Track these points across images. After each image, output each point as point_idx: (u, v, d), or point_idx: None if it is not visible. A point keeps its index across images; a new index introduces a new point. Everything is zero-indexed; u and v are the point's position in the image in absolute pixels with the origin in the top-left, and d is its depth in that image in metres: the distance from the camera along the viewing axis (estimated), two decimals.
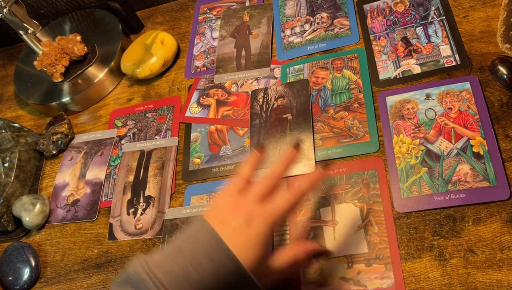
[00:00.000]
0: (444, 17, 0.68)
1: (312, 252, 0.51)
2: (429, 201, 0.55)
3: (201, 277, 0.42)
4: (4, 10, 0.79)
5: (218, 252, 0.43)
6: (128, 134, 0.76)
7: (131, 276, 0.43)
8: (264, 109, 0.69)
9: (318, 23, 0.75)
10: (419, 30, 0.68)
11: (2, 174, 0.72)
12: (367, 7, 0.74)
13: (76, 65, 0.84)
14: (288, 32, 0.77)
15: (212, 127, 0.71)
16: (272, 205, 0.47)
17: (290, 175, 0.62)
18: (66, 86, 0.83)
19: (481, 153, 0.55)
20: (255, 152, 0.52)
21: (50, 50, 0.81)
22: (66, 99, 0.81)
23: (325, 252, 0.54)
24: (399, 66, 0.66)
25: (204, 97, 0.74)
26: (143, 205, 0.67)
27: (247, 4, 0.83)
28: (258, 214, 0.46)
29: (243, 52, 0.77)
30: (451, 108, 0.60)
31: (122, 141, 0.75)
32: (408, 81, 0.64)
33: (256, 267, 0.44)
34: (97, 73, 0.82)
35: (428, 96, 0.62)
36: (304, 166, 0.62)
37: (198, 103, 0.74)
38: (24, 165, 0.75)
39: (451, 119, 0.59)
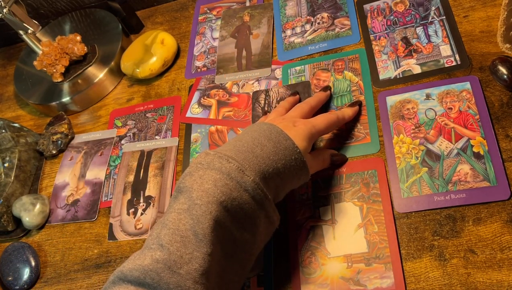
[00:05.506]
0: (444, 17, 0.68)
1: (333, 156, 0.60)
2: (429, 201, 0.55)
3: (263, 152, 0.49)
4: (4, 10, 0.79)
5: (276, 135, 0.51)
6: (128, 135, 0.76)
7: (202, 161, 0.48)
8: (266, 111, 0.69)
9: (318, 23, 0.75)
10: (419, 30, 0.68)
11: (2, 174, 0.72)
12: (367, 7, 0.74)
13: (76, 65, 0.84)
14: (288, 32, 0.77)
15: (213, 128, 0.71)
16: (311, 118, 0.58)
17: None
18: (66, 86, 0.83)
19: (481, 153, 0.55)
20: (292, 96, 0.65)
21: (50, 50, 0.81)
22: (66, 99, 0.81)
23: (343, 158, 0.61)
24: (399, 66, 0.66)
25: (205, 98, 0.74)
26: (143, 205, 0.67)
27: (247, 4, 0.83)
28: (300, 120, 0.56)
29: (244, 53, 0.77)
30: (451, 108, 0.60)
31: (122, 142, 0.75)
32: (408, 81, 0.64)
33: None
34: (97, 73, 0.82)
35: (428, 96, 0.62)
36: None
37: (199, 104, 0.74)
38: (24, 165, 0.75)
39: (451, 119, 0.59)
